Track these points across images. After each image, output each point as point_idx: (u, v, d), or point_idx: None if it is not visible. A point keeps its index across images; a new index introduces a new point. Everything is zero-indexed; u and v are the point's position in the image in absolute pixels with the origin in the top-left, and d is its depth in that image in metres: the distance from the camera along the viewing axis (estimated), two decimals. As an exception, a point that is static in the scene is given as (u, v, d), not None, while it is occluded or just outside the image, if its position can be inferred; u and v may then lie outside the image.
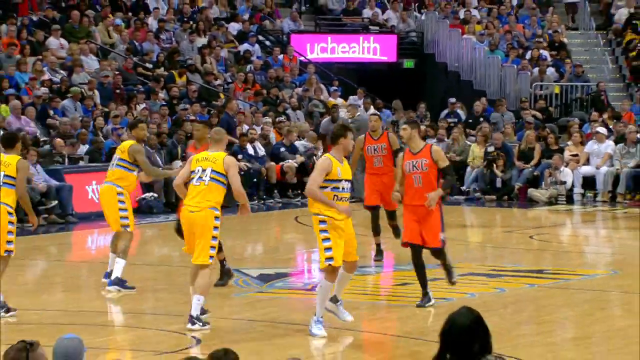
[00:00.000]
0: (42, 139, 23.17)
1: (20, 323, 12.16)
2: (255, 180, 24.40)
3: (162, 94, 26.78)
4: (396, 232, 15.87)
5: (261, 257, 18.98)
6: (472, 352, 5.79)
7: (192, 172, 12.05)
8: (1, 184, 12.46)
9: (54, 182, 21.44)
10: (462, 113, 28.51)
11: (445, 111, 28.62)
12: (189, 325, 11.67)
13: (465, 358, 5.80)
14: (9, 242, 12.44)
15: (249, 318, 12.76)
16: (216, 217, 11.87)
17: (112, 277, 13.86)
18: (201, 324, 11.71)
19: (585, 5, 33.66)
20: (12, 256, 12.67)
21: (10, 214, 12.48)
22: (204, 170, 11.93)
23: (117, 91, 26.09)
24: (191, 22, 30.63)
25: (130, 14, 30.05)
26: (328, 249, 11.24)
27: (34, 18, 27.92)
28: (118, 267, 13.87)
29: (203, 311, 11.89)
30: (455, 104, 28.74)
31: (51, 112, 24.23)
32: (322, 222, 11.35)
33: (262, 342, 11.42)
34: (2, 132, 21.90)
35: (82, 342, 7.17)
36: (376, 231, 16.42)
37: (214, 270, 12.44)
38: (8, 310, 12.30)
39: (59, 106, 24.51)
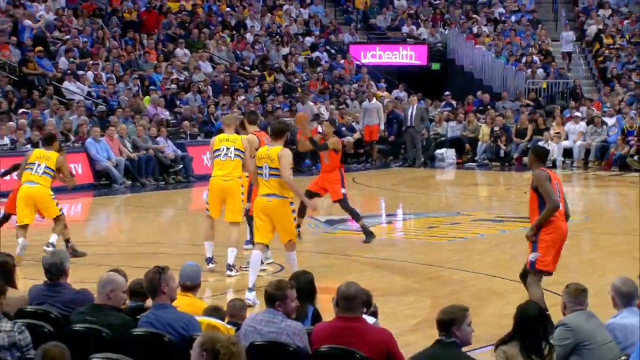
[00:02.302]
0: (171, 121, 23.33)
1: (157, 253, 12.26)
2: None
3: (256, 89, 26.81)
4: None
5: (327, 208, 18.99)
6: (538, 335, 5.77)
7: (216, 150, 11.17)
8: (41, 173, 11.87)
9: (179, 152, 21.59)
10: (454, 102, 28.31)
11: (443, 102, 28.45)
12: (227, 272, 10.87)
13: (532, 341, 5.77)
14: (57, 204, 12.00)
15: (318, 251, 12.79)
16: (242, 185, 11.07)
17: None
18: (235, 270, 10.87)
19: (565, 22, 33.25)
20: (64, 214, 12.11)
21: (50, 191, 11.98)
22: (228, 148, 11.14)
23: (225, 87, 26.18)
24: (277, 36, 30.60)
25: (234, 31, 30.06)
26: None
27: (162, 35, 28.00)
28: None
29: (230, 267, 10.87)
30: (448, 95, 28.64)
31: (178, 102, 24.36)
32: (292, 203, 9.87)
33: (326, 268, 11.42)
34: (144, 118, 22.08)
35: (200, 267, 7.23)
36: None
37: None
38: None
39: (183, 97, 24.64)
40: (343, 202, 13.24)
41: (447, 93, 28.73)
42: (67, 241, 12.04)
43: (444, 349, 5.49)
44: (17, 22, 24.61)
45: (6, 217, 12.68)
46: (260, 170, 9.80)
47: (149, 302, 6.58)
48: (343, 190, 13.20)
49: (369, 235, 13.27)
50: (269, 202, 9.70)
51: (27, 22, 24.81)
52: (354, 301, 5.87)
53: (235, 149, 11.12)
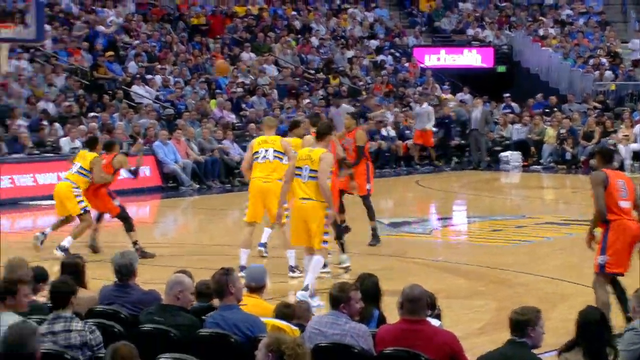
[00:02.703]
0: (237, 124, 23.50)
1: (223, 254, 12.33)
2: (387, 154, 24.51)
3: (321, 92, 26.88)
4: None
5: (391, 210, 18.96)
6: (602, 341, 5.69)
7: (255, 153, 11.08)
8: (74, 171, 12.33)
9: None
10: (515, 105, 27.95)
11: (503, 104, 28.11)
12: (290, 274, 10.87)
13: (595, 346, 5.68)
14: (80, 201, 12.24)
15: (381, 254, 12.76)
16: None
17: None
18: (298, 272, 10.74)
19: (635, 24, 32.66)
20: (88, 211, 12.39)
21: (75, 188, 12.31)
22: (266, 150, 11.05)
23: (290, 90, 26.30)
24: (342, 40, 30.64)
25: (299, 35, 30.19)
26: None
27: (228, 39, 28.23)
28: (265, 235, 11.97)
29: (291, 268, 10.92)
30: (509, 97, 28.30)
31: (243, 105, 24.55)
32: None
33: (390, 271, 11.38)
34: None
35: (265, 269, 7.29)
36: None
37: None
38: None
39: (249, 101, 24.81)
40: (365, 198, 12.81)
41: (507, 95, 28.37)
42: (134, 243, 12.22)
43: (516, 349, 5.44)
44: (90, 28, 25.07)
45: (100, 217, 12.88)
46: (299, 171, 9.58)
47: (214, 303, 6.65)
48: (368, 186, 12.75)
49: (375, 238, 12.98)
50: (304, 204, 9.52)
51: (100, 27, 25.26)
52: (418, 303, 5.86)
53: (275, 151, 11.00)
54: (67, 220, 12.70)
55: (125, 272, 6.87)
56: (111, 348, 4.66)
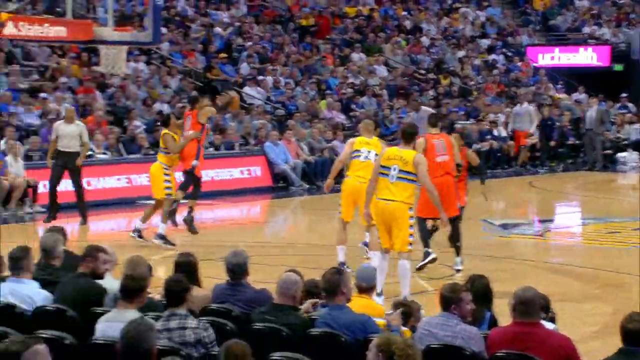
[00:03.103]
0: (346, 125, 23.56)
1: (332, 254, 12.37)
2: (499, 154, 24.21)
3: (431, 92, 26.73)
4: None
5: (503, 211, 18.69)
6: None
7: (356, 151, 10.93)
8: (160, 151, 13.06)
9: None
10: (630, 105, 27.10)
11: (618, 104, 27.31)
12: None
13: None
14: (167, 187, 12.90)
15: (492, 255, 12.61)
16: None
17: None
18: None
19: None
20: (169, 199, 12.94)
21: (165, 168, 12.97)
22: (369, 152, 10.83)
23: (400, 90, 26.24)
24: (453, 39, 30.41)
25: (409, 35, 30.08)
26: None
27: (339, 40, 28.33)
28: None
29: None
30: (625, 97, 27.45)
31: (353, 106, 24.60)
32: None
33: (501, 273, 11.24)
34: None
35: (375, 269, 7.28)
36: None
37: None
38: None
39: (359, 101, 24.85)
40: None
41: (623, 95, 27.62)
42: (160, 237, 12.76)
43: (629, 358, 5.28)
44: (204, 30, 25.55)
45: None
46: (387, 170, 9.36)
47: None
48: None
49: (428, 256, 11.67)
50: (387, 205, 9.32)
51: (218, 29, 25.73)
52: (532, 306, 5.75)
53: (376, 154, 10.54)
54: (155, 207, 13.23)
55: (238, 271, 6.97)
56: (224, 346, 4.73)
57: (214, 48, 24.80)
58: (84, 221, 14.85)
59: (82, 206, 15.01)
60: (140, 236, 13.07)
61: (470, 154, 12.35)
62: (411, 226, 9.41)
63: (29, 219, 15.78)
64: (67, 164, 14.63)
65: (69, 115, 14.83)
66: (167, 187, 12.94)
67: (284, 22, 28.24)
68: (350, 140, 11.58)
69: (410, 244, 9.41)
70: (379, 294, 9.21)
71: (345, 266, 10.42)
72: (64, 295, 6.59)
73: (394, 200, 9.28)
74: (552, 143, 25.01)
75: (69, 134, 14.53)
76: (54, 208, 14.82)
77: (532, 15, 33.81)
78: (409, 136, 9.63)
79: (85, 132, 14.99)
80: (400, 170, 9.30)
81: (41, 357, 3.99)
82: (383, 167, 9.39)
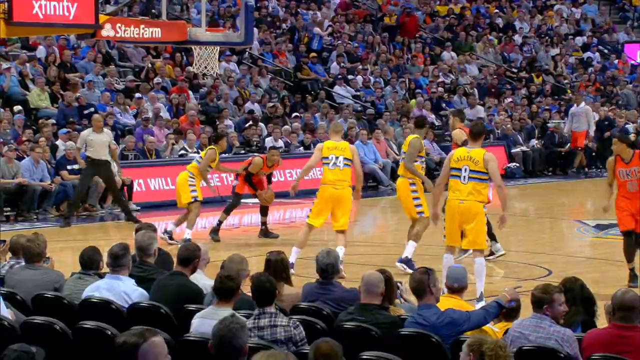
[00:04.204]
0: (437, 124, 23.42)
1: (421, 254, 12.30)
2: (593, 154, 23.71)
3: (523, 91, 26.37)
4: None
5: (597, 212, 18.29)
6: None
7: (325, 157, 11.03)
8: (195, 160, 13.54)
9: (444, 155, 21.45)
10: None
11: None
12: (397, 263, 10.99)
13: None
14: (192, 190, 13.18)
15: (587, 256, 12.38)
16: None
17: (402, 256, 11.29)
18: (407, 266, 10.85)
19: None
20: (198, 201, 13.24)
21: (191, 177, 13.34)
22: (337, 157, 11.07)
23: (491, 89, 25.96)
24: (547, 37, 29.94)
25: (501, 33, 29.74)
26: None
27: (429, 38, 28.19)
28: (408, 249, 11.34)
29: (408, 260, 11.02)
30: None
31: (444, 105, 24.43)
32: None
33: (597, 274, 11.01)
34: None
35: (466, 270, 7.21)
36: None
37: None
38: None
39: (450, 100, 24.67)
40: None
41: None
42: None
43: None
44: (292, 29, 25.73)
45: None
46: (458, 172, 9.40)
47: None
48: None
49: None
50: (462, 204, 9.38)
51: (317, 30, 25.91)
52: (631, 309, 5.63)
53: (345, 158, 10.93)
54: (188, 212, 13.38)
55: (331, 270, 7.02)
56: (314, 344, 4.75)
57: (304, 48, 24.94)
58: (133, 219, 14.82)
59: (125, 208, 15.42)
60: (170, 237, 13.28)
61: None
62: (487, 223, 9.56)
63: (124, 217, 16.12)
64: (99, 172, 15.07)
65: (98, 124, 15.14)
66: (193, 191, 13.28)
67: (375, 21, 28.22)
68: (319, 145, 11.69)
69: (487, 240, 9.63)
70: (478, 299, 9.26)
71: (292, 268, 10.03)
72: (160, 293, 6.72)
73: (468, 200, 9.35)
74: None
75: (99, 142, 14.85)
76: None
77: (630, 11, 33.03)
78: (477, 135, 9.59)
79: (112, 139, 15.61)
80: (471, 171, 9.33)
81: (159, 348, 4.05)
82: (453, 169, 9.45)
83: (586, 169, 23.26)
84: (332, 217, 11.14)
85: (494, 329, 6.29)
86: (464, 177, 9.32)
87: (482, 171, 9.30)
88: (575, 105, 23.34)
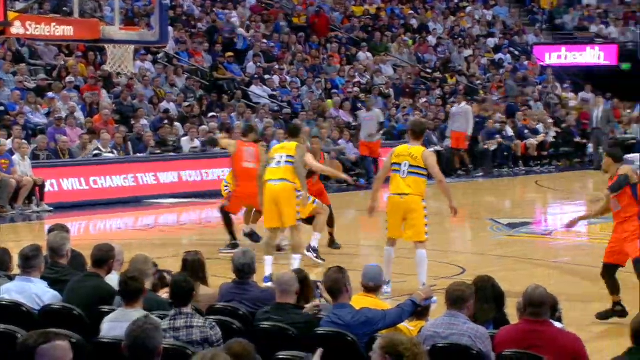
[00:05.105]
0: (353, 124, 23.52)
1: (341, 254, 12.36)
2: (505, 153, 24.15)
3: (437, 91, 26.71)
4: None
5: (509, 210, 18.68)
6: None
7: (272, 158, 10.79)
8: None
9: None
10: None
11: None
12: (307, 253, 11.19)
13: None
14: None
15: (499, 254, 12.59)
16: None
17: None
18: (315, 254, 11.27)
19: None
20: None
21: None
22: (281, 155, 10.77)
23: (406, 89, 26.21)
24: (460, 39, 30.37)
25: (416, 34, 30.06)
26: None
27: (345, 38, 28.32)
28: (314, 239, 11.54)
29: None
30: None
31: (360, 105, 24.53)
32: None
33: (509, 272, 11.22)
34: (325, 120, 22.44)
35: (381, 268, 7.26)
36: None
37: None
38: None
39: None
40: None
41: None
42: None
43: (638, 359, 5.24)
44: (211, 29, 25.56)
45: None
46: (397, 167, 9.85)
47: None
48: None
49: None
50: (403, 199, 9.79)
51: (241, 30, 25.78)
52: (541, 305, 5.74)
53: (288, 156, 10.75)
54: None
55: (247, 270, 6.99)
56: (226, 345, 4.72)
57: (220, 47, 24.80)
58: None
59: None
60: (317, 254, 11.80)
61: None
62: (426, 216, 9.87)
63: (36, 218, 15.80)
64: None
65: None
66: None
67: (290, 21, 28.22)
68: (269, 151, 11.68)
69: (426, 233, 9.85)
70: (387, 283, 9.53)
71: (269, 279, 10.03)
72: (74, 295, 6.59)
73: (408, 194, 9.75)
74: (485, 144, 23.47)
75: None
76: None
77: (539, 14, 33.76)
78: (418, 133, 10.07)
79: None
80: (411, 166, 9.76)
81: (60, 352, 3.94)
82: (394, 164, 9.89)
83: (469, 167, 23.06)
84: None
85: (409, 327, 6.34)
86: (404, 171, 9.79)
87: (420, 166, 9.75)
88: (456, 105, 23.49)
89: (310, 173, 11.65)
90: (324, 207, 11.76)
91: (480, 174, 23.04)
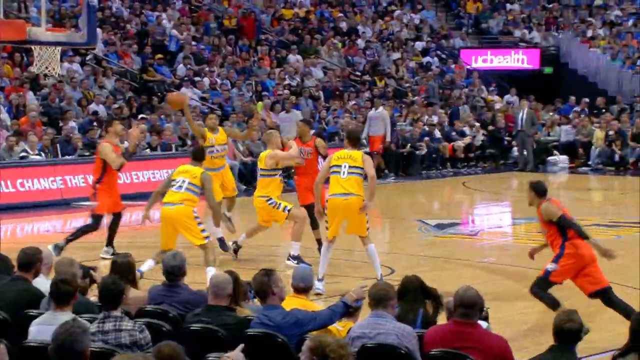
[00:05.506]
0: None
1: (273, 254, 12.34)
2: (434, 155, 24.41)
3: (367, 94, 26.85)
4: None
5: (437, 211, 18.88)
6: None
7: (173, 180, 10.66)
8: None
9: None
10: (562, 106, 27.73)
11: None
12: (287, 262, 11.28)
13: None
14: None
15: (428, 255, 12.72)
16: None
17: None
18: (296, 261, 11.15)
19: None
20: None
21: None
22: (184, 180, 10.66)
23: (336, 92, 26.31)
24: (388, 42, 30.59)
25: (345, 37, 30.18)
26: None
27: (275, 41, 28.31)
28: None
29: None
30: (558, 100, 27.95)
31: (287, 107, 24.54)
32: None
33: (437, 272, 11.35)
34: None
35: (312, 270, 7.29)
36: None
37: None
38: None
39: (298, 103, 24.82)
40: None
41: (557, 99, 28.10)
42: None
43: (560, 355, 5.35)
44: (141, 32, 25.30)
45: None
46: (338, 169, 10.31)
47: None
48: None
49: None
50: (345, 200, 10.23)
51: (174, 32, 25.56)
52: (472, 306, 5.80)
53: (190, 183, 10.57)
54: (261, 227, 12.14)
55: (176, 272, 6.94)
56: (156, 348, 4.69)
57: (150, 49, 24.58)
58: None
59: None
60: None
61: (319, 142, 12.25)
62: (366, 213, 10.39)
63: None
64: None
65: None
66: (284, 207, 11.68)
67: (221, 23, 28.11)
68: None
69: (368, 228, 10.44)
70: (320, 279, 10.15)
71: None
72: (1, 299, 6.47)
73: (350, 194, 10.22)
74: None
75: None
76: None
77: (465, 18, 34.20)
78: (355, 140, 10.69)
79: None
80: (350, 166, 10.26)
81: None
82: (334, 166, 10.36)
83: (386, 171, 22.92)
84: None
85: (338, 327, 6.36)
86: (344, 172, 10.26)
87: (359, 166, 10.28)
88: (374, 109, 23.29)
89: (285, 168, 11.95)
90: (300, 214, 11.55)
91: (392, 177, 23.01)
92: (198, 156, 11.24)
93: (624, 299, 9.77)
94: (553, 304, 8.50)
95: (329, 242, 10.47)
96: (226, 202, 12.76)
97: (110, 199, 12.29)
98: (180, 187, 10.64)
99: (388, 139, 22.82)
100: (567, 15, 33.86)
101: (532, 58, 31.59)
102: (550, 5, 34.44)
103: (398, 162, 23.75)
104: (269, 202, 11.46)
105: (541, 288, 8.69)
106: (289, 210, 11.48)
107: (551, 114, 27.17)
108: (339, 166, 10.31)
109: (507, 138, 26.10)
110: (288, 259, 11.41)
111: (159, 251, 10.38)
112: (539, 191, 9.00)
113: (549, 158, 25.16)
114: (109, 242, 12.28)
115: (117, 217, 12.48)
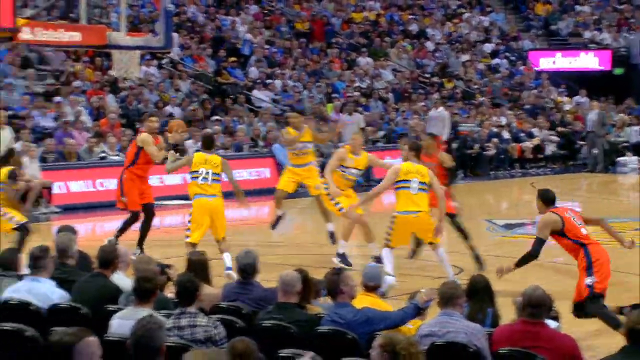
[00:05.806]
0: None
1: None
2: (502, 156, 24.18)
3: (435, 96, 26.71)
4: None
5: (506, 211, 18.66)
6: None
7: (195, 172, 10.72)
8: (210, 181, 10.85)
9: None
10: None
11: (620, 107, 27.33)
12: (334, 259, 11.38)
13: None
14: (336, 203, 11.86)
15: (496, 255, 12.59)
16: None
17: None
18: (340, 259, 11.33)
19: None
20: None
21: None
22: (207, 171, 10.75)
23: (405, 94, 26.23)
24: (457, 44, 30.39)
25: (415, 39, 30.08)
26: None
27: (345, 44, 28.32)
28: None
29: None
30: (630, 100, 27.45)
31: (360, 109, 24.55)
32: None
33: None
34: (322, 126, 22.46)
35: (381, 268, 7.26)
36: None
37: None
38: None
39: (368, 104, 24.82)
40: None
41: (628, 100, 27.58)
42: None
43: (632, 356, 5.23)
44: (216, 36, 25.57)
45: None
46: (407, 184, 10.31)
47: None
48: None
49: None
50: (416, 217, 10.36)
51: (248, 35, 25.81)
52: (540, 306, 5.74)
53: (214, 173, 10.69)
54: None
55: (249, 270, 7.00)
56: (230, 343, 4.73)
57: (224, 53, 24.82)
58: None
59: None
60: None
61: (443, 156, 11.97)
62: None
63: (44, 219, 15.79)
64: None
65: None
66: (337, 203, 11.69)
67: (293, 26, 28.24)
68: (189, 158, 11.26)
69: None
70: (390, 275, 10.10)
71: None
72: (81, 294, 6.61)
73: (420, 211, 10.34)
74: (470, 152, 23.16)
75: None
76: None
77: (534, 20, 33.78)
78: (416, 150, 10.63)
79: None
80: (420, 182, 10.29)
81: (92, 347, 4.03)
82: (403, 180, 10.33)
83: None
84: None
85: (409, 325, 6.34)
86: (414, 187, 10.29)
87: (427, 183, 10.34)
88: (434, 109, 22.93)
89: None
90: (354, 215, 11.41)
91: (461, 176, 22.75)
92: (209, 144, 11.19)
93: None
94: (615, 323, 7.96)
95: (391, 248, 10.48)
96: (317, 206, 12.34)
97: (137, 192, 11.88)
98: (206, 178, 10.66)
99: (444, 138, 22.51)
100: (638, 16, 33.18)
101: (603, 59, 31.07)
102: (622, 7, 33.79)
103: (466, 162, 23.57)
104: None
105: (596, 305, 8.19)
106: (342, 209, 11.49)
107: (621, 114, 26.66)
108: (408, 181, 10.31)
109: (579, 142, 25.70)
110: (335, 257, 11.53)
111: (218, 242, 10.78)
112: (545, 200, 8.85)
113: (619, 159, 24.69)
114: (139, 243, 11.86)
115: (148, 216, 11.96)
